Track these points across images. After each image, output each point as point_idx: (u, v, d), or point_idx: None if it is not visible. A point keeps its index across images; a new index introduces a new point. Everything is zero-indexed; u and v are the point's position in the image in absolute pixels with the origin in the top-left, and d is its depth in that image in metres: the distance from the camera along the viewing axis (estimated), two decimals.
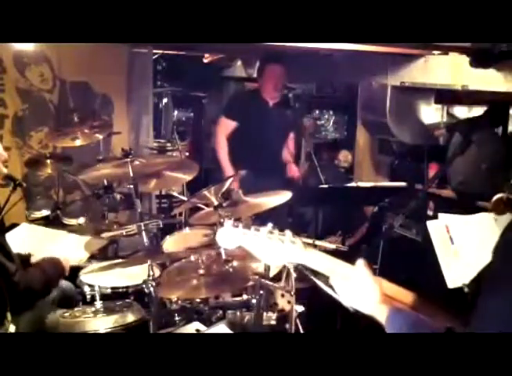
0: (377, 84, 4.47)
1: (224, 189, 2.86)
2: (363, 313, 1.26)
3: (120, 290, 2.71)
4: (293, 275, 2.39)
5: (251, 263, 2.66)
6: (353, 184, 4.21)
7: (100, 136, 3.97)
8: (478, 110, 3.93)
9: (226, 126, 4.25)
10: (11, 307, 2.09)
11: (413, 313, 1.19)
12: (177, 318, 2.78)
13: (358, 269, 1.29)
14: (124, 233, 2.90)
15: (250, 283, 2.58)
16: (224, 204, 2.70)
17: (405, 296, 1.30)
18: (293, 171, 4.34)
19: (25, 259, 2.55)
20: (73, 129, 3.91)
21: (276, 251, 1.35)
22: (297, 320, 2.49)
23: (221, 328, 2.39)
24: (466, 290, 1.99)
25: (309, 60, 4.74)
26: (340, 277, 1.29)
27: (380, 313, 1.21)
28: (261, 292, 2.51)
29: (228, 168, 4.13)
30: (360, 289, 1.26)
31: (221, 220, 2.63)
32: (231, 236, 1.41)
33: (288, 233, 1.38)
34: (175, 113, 6.88)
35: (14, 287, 2.13)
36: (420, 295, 1.31)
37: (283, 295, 2.76)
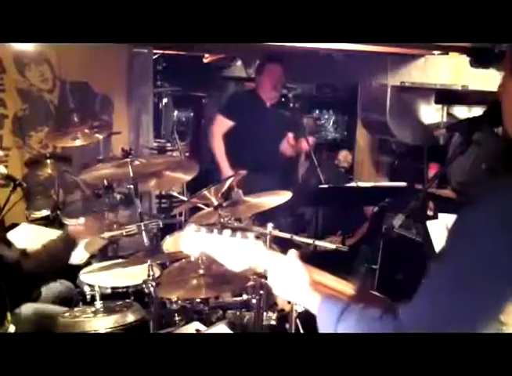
0: (377, 84, 4.47)
1: (224, 189, 2.86)
2: None
3: (120, 290, 2.70)
4: None
5: None
6: (353, 184, 4.21)
7: (100, 136, 3.97)
8: (478, 110, 3.94)
9: (222, 124, 4.22)
10: (11, 304, 2.09)
11: (344, 301, 1.17)
12: (177, 318, 2.78)
13: (288, 258, 1.25)
14: (124, 233, 2.90)
15: (250, 283, 2.58)
16: (224, 204, 2.70)
17: (340, 285, 1.28)
18: (302, 144, 4.21)
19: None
20: (73, 129, 3.91)
21: (239, 254, 1.27)
22: (297, 320, 2.49)
23: (221, 328, 2.39)
24: None
25: (309, 60, 4.74)
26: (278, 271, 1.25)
27: (311, 301, 1.19)
28: (261, 292, 2.51)
29: (225, 168, 4.10)
30: (290, 278, 1.23)
31: (222, 220, 2.64)
32: (194, 242, 1.32)
33: (251, 235, 1.29)
34: (175, 113, 6.88)
35: (21, 275, 2.13)
36: (355, 284, 1.30)
37: None
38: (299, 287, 1.22)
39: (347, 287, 1.28)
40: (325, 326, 1.15)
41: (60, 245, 2.37)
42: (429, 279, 1.03)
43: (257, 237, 1.31)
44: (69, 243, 2.40)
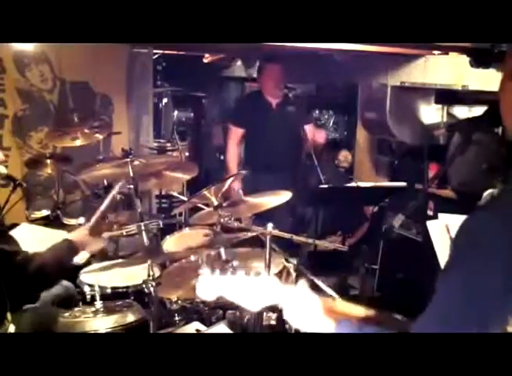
0: (377, 84, 4.47)
1: (224, 189, 2.86)
2: None
3: (120, 290, 2.70)
4: (294, 275, 2.39)
5: (251, 263, 2.66)
6: (353, 184, 4.21)
7: (100, 136, 3.97)
8: (478, 110, 3.94)
9: (235, 134, 4.32)
10: (11, 305, 2.09)
11: (358, 323, 1.18)
12: (177, 318, 2.78)
13: (300, 289, 1.27)
14: (124, 233, 2.90)
15: None
16: (224, 204, 2.70)
17: (355, 310, 1.28)
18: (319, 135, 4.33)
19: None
20: (73, 129, 3.92)
21: (254, 293, 1.28)
22: None
23: (221, 328, 2.38)
24: None
25: (309, 60, 4.74)
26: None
27: (326, 328, 1.21)
28: None
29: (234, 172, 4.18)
30: (304, 308, 1.25)
31: (222, 220, 2.64)
32: (209, 286, 1.34)
33: (264, 272, 1.32)
34: (175, 113, 6.88)
35: (23, 271, 2.12)
36: (369, 308, 1.29)
37: None
38: (313, 316, 1.23)
39: (359, 312, 1.28)
40: None
41: (65, 250, 2.37)
42: (436, 294, 1.02)
43: (279, 273, 1.30)
44: (72, 249, 2.40)
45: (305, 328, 1.25)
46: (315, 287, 1.29)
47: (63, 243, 2.39)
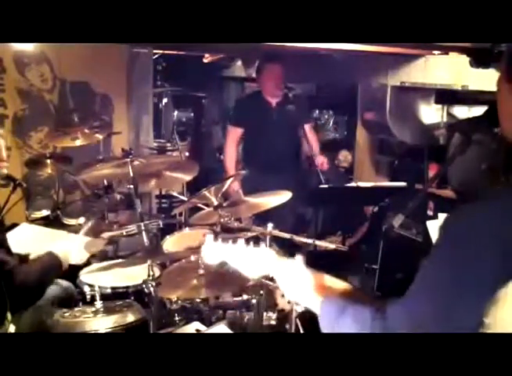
0: (377, 84, 4.47)
1: (224, 189, 2.86)
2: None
3: (120, 290, 2.70)
4: None
5: None
6: (353, 184, 4.21)
7: (100, 136, 3.97)
8: (478, 110, 3.93)
9: (234, 134, 4.33)
10: (11, 306, 2.09)
11: (341, 302, 1.21)
12: (177, 318, 2.78)
13: (295, 264, 1.32)
14: (124, 233, 2.90)
15: (250, 283, 2.58)
16: (224, 204, 2.70)
17: (343, 287, 1.32)
18: (322, 162, 4.18)
19: (23, 259, 2.55)
20: (73, 129, 3.92)
21: (253, 261, 1.37)
22: (297, 320, 2.49)
23: (221, 328, 2.39)
24: None
25: (309, 60, 4.74)
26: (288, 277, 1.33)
27: (314, 302, 1.25)
28: (261, 292, 2.51)
29: (231, 173, 4.17)
30: (296, 281, 1.30)
31: (222, 220, 2.64)
32: (214, 251, 1.43)
33: (262, 244, 1.40)
34: (175, 113, 6.88)
35: (10, 281, 2.12)
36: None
37: (283, 295, 2.76)
38: (303, 290, 1.29)
39: (347, 288, 1.31)
40: (325, 325, 1.20)
41: (48, 264, 2.37)
42: (417, 278, 1.05)
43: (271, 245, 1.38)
44: (56, 266, 2.40)
45: (295, 299, 1.34)
46: (310, 263, 1.33)
47: (47, 256, 2.39)
